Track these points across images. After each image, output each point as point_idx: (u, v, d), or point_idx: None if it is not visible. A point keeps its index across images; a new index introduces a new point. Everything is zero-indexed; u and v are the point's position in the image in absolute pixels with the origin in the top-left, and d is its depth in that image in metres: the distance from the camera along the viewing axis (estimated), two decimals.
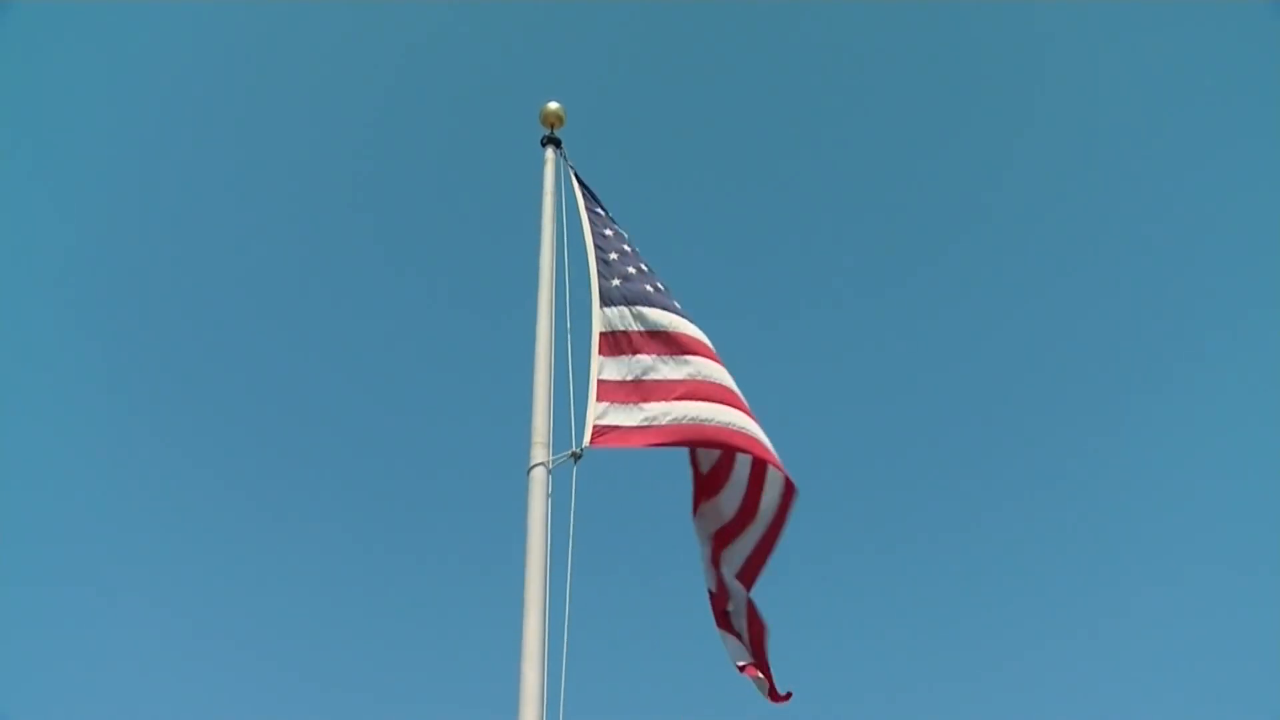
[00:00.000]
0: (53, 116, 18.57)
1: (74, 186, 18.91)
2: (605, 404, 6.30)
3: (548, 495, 5.84)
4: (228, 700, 16.40)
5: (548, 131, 7.54)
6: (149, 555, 18.15)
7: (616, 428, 6.25)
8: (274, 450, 19.54)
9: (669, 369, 6.58)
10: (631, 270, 7.00)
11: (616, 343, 6.60)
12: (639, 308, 6.77)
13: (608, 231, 7.17)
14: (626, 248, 7.15)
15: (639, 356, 6.59)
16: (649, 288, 6.95)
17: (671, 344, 6.69)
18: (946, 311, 21.79)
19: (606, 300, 6.72)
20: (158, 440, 19.01)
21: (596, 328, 6.59)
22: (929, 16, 21.00)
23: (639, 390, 6.45)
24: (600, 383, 6.37)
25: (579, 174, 7.46)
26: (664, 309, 6.85)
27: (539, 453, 5.97)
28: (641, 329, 6.70)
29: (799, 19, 21.78)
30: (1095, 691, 16.71)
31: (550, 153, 7.42)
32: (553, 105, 7.56)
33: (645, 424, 6.31)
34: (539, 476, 5.87)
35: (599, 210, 7.31)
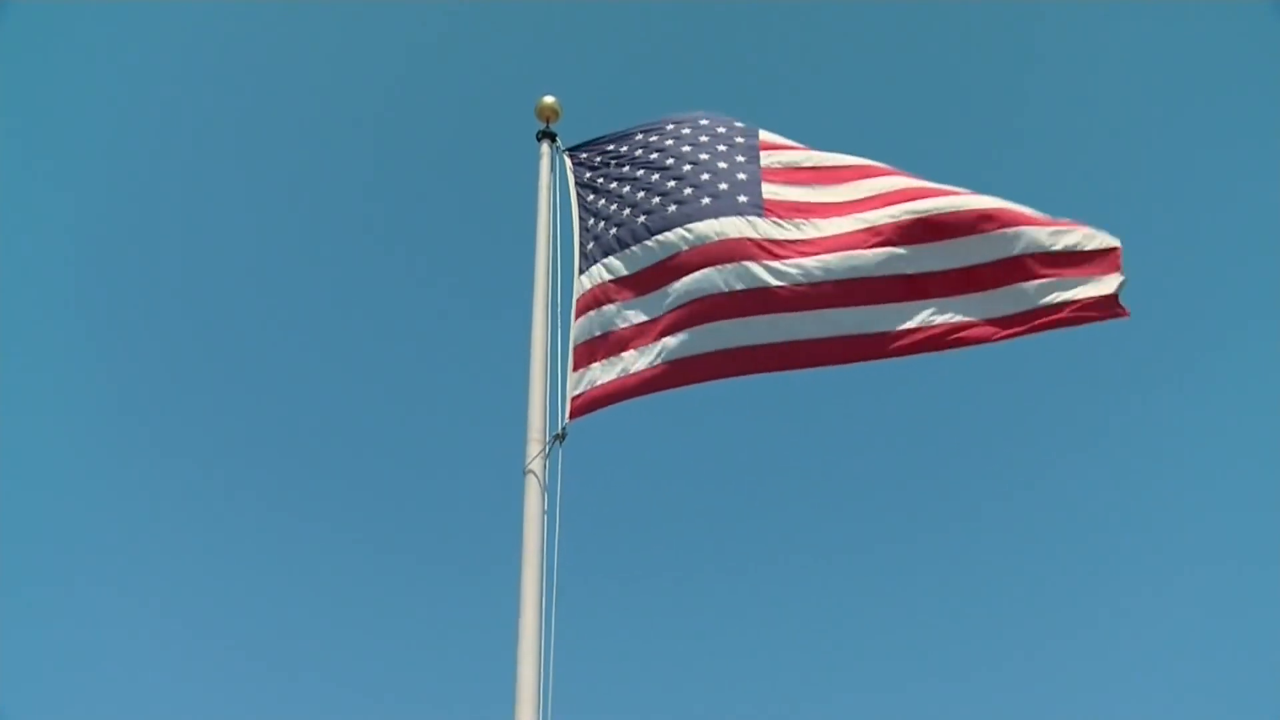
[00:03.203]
0: (53, 116, 18.61)
1: (73, 185, 18.94)
2: (581, 371, 6.20)
3: (543, 491, 5.84)
4: (223, 698, 16.42)
5: (543, 126, 7.47)
6: (146, 555, 18.18)
7: (590, 391, 6.13)
8: (265, 446, 19.55)
9: (639, 310, 6.34)
10: (603, 224, 6.77)
11: (588, 301, 6.47)
12: (609, 259, 6.59)
13: (590, 196, 7.01)
14: (607, 194, 6.88)
15: (604, 308, 6.42)
16: (617, 229, 6.66)
17: (643, 282, 6.42)
18: None
19: (583, 269, 6.64)
20: (154, 439, 19.03)
21: (575, 297, 6.52)
22: (925, 12, 20.99)
23: (607, 343, 6.28)
24: (576, 349, 6.27)
25: (579, 153, 7.36)
26: (639, 241, 6.52)
27: (534, 449, 5.96)
28: (609, 278, 6.53)
29: (795, 12, 21.78)
30: (1095, 691, 16.70)
31: (545, 147, 7.35)
32: (548, 99, 7.50)
33: (619, 376, 6.13)
34: (535, 472, 5.86)
35: (598, 161, 7.12)
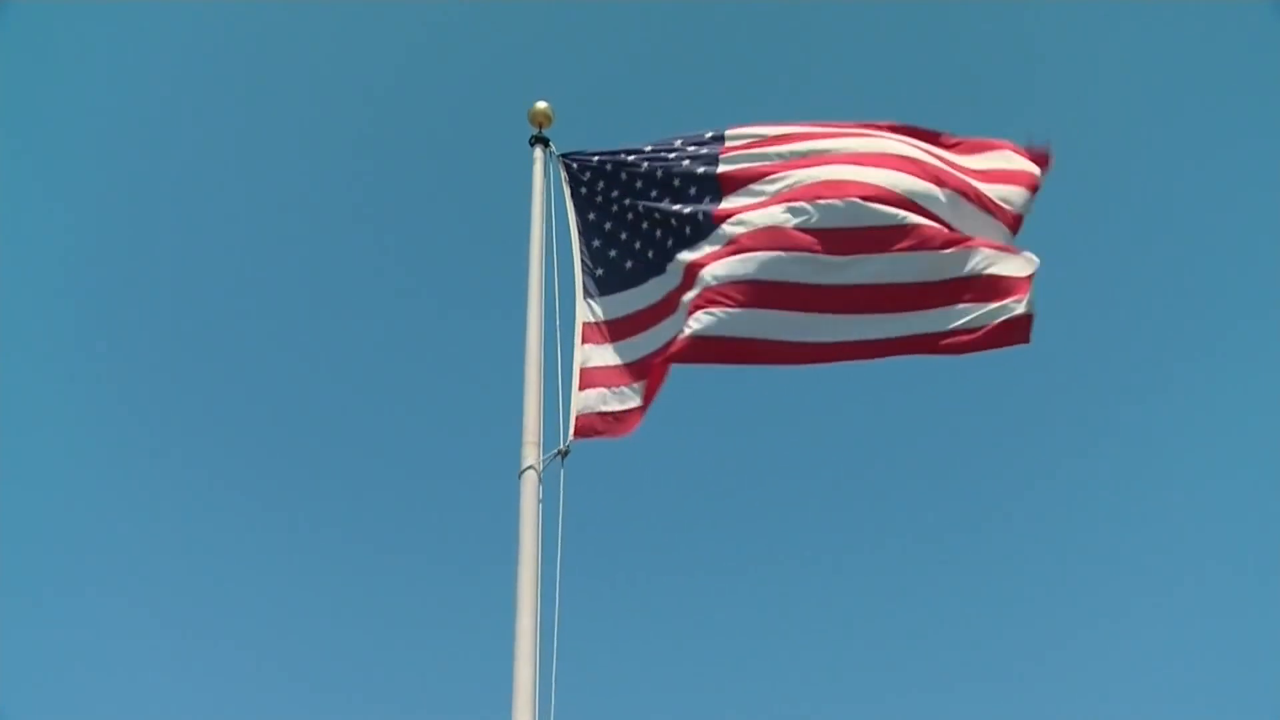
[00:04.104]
0: (52, 116, 18.64)
1: (72, 185, 18.97)
2: (589, 393, 6.29)
3: (539, 496, 5.85)
4: (221, 700, 16.43)
5: (536, 131, 7.51)
6: (145, 555, 18.18)
7: (602, 416, 6.23)
8: (264, 447, 19.53)
9: (652, 342, 6.46)
10: (613, 253, 6.91)
11: (601, 331, 6.57)
12: (619, 294, 6.73)
13: (591, 215, 7.10)
14: (612, 217, 7.02)
15: (628, 340, 6.53)
16: (632, 263, 6.82)
17: (654, 315, 6.57)
18: None
19: (589, 292, 6.74)
20: (153, 440, 19.02)
21: (580, 319, 6.60)
22: (923, 13, 20.96)
23: (628, 373, 6.38)
24: (584, 371, 6.35)
25: (571, 161, 7.39)
26: (643, 280, 6.71)
27: (530, 453, 5.98)
28: (623, 315, 6.64)
29: (792, 14, 21.75)
30: (1096, 693, 16.71)
31: (539, 152, 7.39)
32: (541, 104, 7.54)
33: (632, 408, 6.25)
34: (530, 477, 5.89)
35: (588, 176, 7.21)
